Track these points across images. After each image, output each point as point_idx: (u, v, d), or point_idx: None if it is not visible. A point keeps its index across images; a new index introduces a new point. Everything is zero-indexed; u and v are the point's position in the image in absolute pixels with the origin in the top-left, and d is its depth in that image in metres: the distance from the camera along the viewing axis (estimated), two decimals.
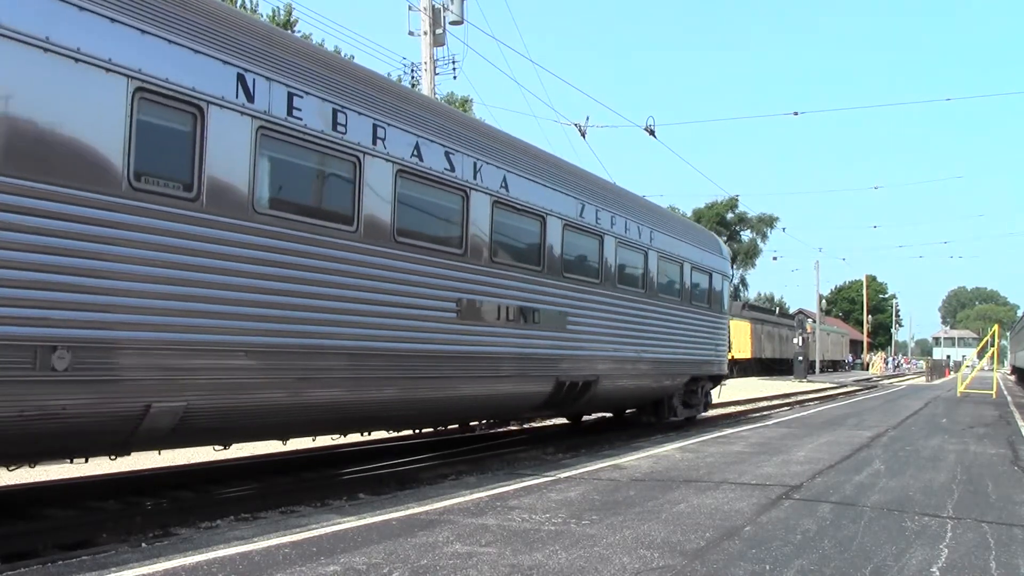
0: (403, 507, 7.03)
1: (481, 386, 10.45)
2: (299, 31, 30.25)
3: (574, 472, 9.18)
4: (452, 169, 9.73)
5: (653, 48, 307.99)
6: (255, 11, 30.09)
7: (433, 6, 20.76)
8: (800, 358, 51.94)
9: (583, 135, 24.13)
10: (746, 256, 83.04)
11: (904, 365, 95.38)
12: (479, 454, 12.89)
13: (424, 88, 20.75)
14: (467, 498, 7.48)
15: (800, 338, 55.13)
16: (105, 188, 6.07)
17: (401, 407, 9.43)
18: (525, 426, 17.10)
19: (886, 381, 53.65)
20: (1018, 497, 8.11)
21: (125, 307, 6.19)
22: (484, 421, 15.24)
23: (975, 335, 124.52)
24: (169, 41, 6.55)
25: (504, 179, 10.69)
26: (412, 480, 10.42)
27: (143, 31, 6.37)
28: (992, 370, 40.99)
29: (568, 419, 16.97)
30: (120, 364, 6.21)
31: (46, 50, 5.72)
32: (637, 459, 10.29)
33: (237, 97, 7.08)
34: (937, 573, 5.29)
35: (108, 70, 6.11)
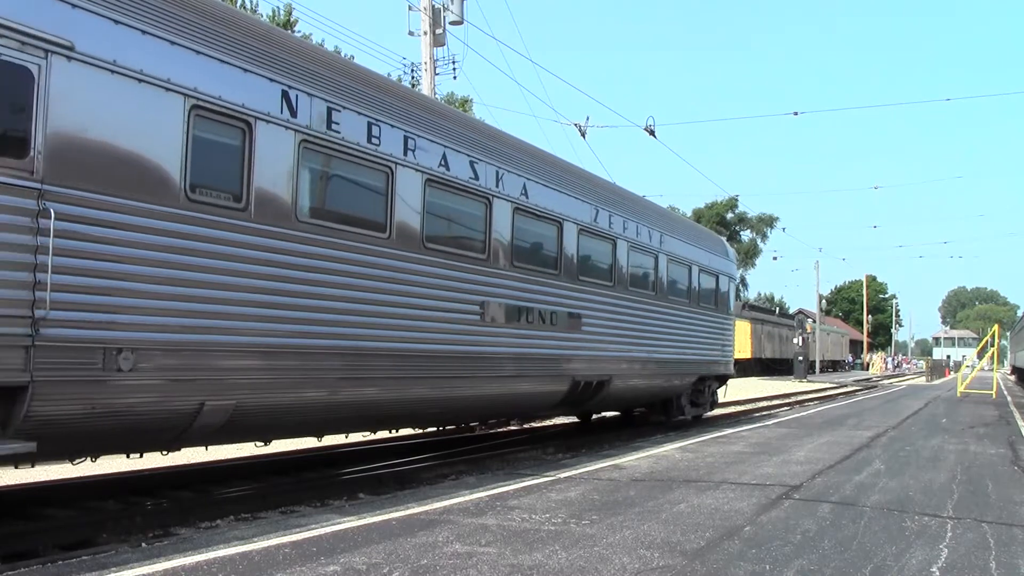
0: (403, 507, 7.03)
1: (503, 385, 10.85)
2: (299, 31, 30.27)
3: (574, 472, 9.18)
4: (476, 178, 10.21)
5: (653, 48, 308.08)
6: (255, 11, 30.07)
7: (433, 6, 20.75)
8: (800, 358, 51.94)
9: (583, 135, 24.15)
10: (746, 256, 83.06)
11: (904, 365, 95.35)
12: (479, 454, 12.89)
13: (424, 88, 20.75)
14: (467, 498, 7.49)
15: (800, 338, 55.14)
16: (165, 200, 6.52)
17: (429, 405, 9.87)
18: (525, 426, 17.10)
19: (886, 381, 53.65)
20: (1018, 497, 8.11)
21: (182, 311, 6.63)
22: (486, 421, 15.55)
23: (975, 335, 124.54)
24: (221, 61, 7.02)
25: (524, 186, 11.18)
26: (412, 480, 10.42)
27: (198, 52, 6.83)
28: (992, 370, 40.98)
29: (578, 417, 17.25)
30: (177, 365, 6.63)
31: (113, 72, 6.19)
32: (637, 459, 10.29)
33: (282, 112, 7.54)
34: (937, 573, 5.29)
35: (167, 89, 6.56)
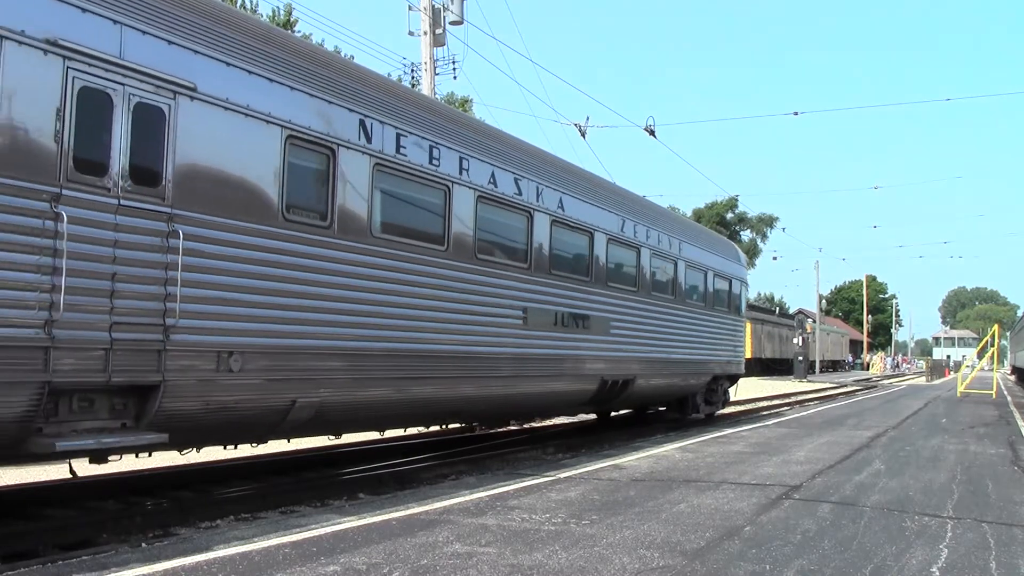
0: (403, 507, 7.03)
1: (541, 385, 11.82)
2: (299, 31, 30.27)
3: (574, 472, 9.18)
4: (520, 193, 11.21)
5: (653, 48, 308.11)
6: (255, 11, 30.06)
7: (433, 6, 20.75)
8: (800, 358, 51.93)
9: (583, 135, 24.14)
10: (746, 256, 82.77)
11: (904, 365, 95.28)
12: (479, 454, 12.89)
13: (424, 88, 20.74)
14: (467, 498, 7.49)
15: (800, 338, 55.12)
16: (266, 220, 7.44)
17: (476, 403, 10.84)
18: (525, 426, 17.12)
19: (886, 381, 53.65)
20: (1018, 497, 8.12)
21: (279, 318, 7.55)
22: (525, 418, 16.37)
23: (975, 335, 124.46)
24: (310, 95, 7.97)
25: (560, 200, 12.15)
26: (412, 480, 10.42)
27: (292, 88, 7.78)
28: (992, 370, 40.98)
29: (597, 415, 17.82)
30: (275, 366, 7.52)
31: (226, 108, 7.11)
32: (637, 459, 10.30)
33: (359, 139, 8.49)
34: (937, 573, 5.29)
35: (268, 122, 7.50)
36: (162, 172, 6.62)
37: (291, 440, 8.90)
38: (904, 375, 70.75)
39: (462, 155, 10.01)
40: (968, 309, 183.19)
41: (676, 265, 16.15)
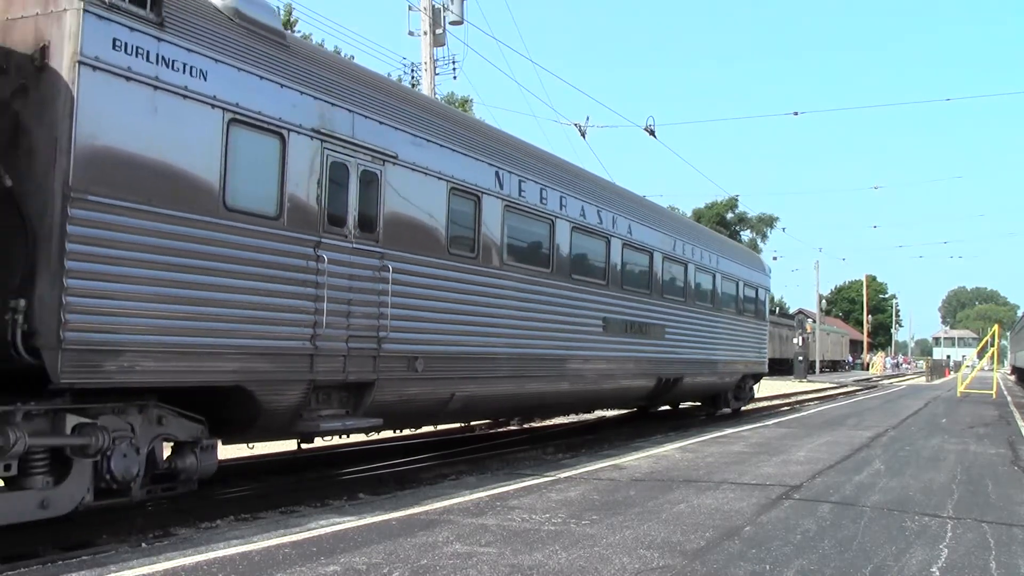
0: (403, 507, 7.04)
1: (615, 382, 14.14)
2: (299, 31, 30.22)
3: (574, 472, 9.18)
4: (601, 223, 13.40)
5: (653, 48, 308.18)
6: None
7: (433, 6, 20.74)
8: (800, 358, 51.89)
9: (583, 135, 24.16)
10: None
11: (903, 365, 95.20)
12: (479, 454, 12.89)
13: (424, 88, 20.74)
14: (467, 498, 7.49)
15: (800, 338, 55.08)
16: (438, 254, 9.63)
17: (569, 397, 13.28)
18: (525, 426, 17.14)
19: (886, 381, 53.63)
20: (1018, 497, 8.12)
21: (446, 331, 9.70)
22: (601, 409, 18.65)
23: (975, 335, 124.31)
24: (466, 155, 10.22)
25: (629, 226, 14.34)
26: (412, 480, 10.42)
27: (454, 150, 10.00)
28: (992, 370, 40.96)
29: (638, 409, 19.75)
30: (443, 367, 9.67)
31: (413, 170, 9.29)
32: (637, 459, 10.30)
33: (495, 187, 10.72)
34: (937, 573, 5.29)
35: (439, 179, 9.70)
36: (376, 221, 8.70)
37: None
38: (904, 375, 70.73)
39: (562, 194, 12.26)
40: (968, 309, 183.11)
41: (714, 277, 18.39)
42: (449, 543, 5.71)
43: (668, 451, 11.24)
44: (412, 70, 25.43)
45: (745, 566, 5.27)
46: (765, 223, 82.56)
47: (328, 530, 6.13)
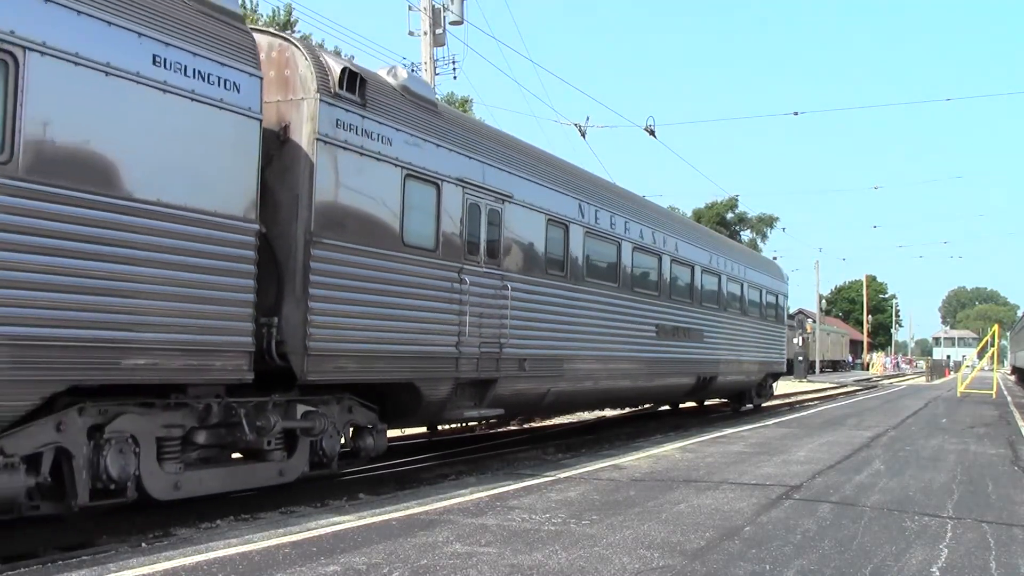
0: (403, 507, 7.04)
1: (665, 380, 16.23)
2: (299, 31, 30.24)
3: (574, 472, 9.18)
4: (655, 243, 15.60)
5: (653, 48, 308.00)
6: (255, 11, 30.04)
7: (433, 6, 20.74)
8: (800, 358, 51.90)
9: (583, 135, 24.18)
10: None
11: (903, 365, 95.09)
12: (479, 454, 12.89)
13: None
14: (467, 498, 7.49)
15: (800, 338, 55.08)
16: (538, 274, 11.62)
17: (630, 392, 15.83)
18: (525, 426, 17.15)
19: (886, 381, 53.63)
20: (1018, 497, 8.12)
21: (545, 336, 11.64)
22: (653, 404, 20.83)
23: (975, 335, 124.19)
24: (557, 191, 12.26)
25: (676, 244, 16.55)
26: (412, 480, 10.42)
27: (550, 188, 12.06)
28: (992, 370, 40.94)
29: (670, 406, 21.88)
30: (544, 368, 11.61)
31: (522, 207, 11.31)
32: (637, 459, 10.30)
33: (578, 216, 12.76)
34: (937, 573, 5.29)
35: (538, 212, 11.67)
36: (499, 249, 10.67)
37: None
38: (904, 375, 70.69)
39: (626, 220, 14.39)
40: (968, 309, 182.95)
41: (742, 286, 20.59)
42: (449, 543, 5.71)
43: (668, 451, 11.24)
44: (412, 70, 25.42)
45: (745, 566, 5.27)
46: (765, 223, 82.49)
47: (328, 530, 6.13)
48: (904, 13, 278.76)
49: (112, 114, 6.16)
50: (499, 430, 16.33)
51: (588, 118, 26.08)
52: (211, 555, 5.33)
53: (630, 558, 5.40)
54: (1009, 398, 28.49)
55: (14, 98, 5.57)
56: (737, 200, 72.46)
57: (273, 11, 30.63)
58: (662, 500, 7.49)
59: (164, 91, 6.50)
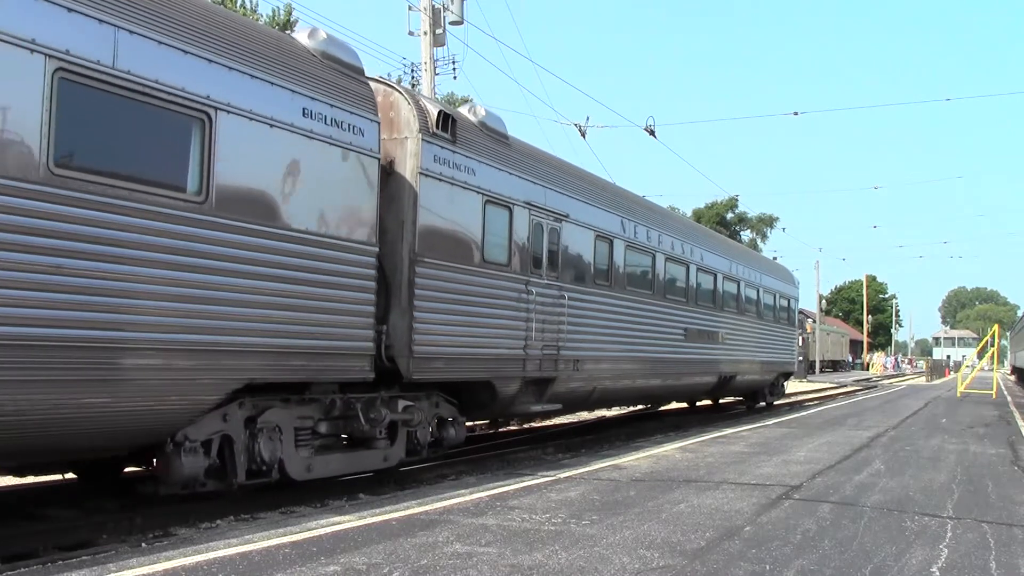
0: (403, 507, 7.04)
1: (691, 378, 17.74)
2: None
3: (574, 472, 9.18)
4: (683, 253, 16.96)
5: (653, 48, 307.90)
6: (255, 11, 30.00)
7: (433, 6, 20.73)
8: (800, 358, 51.81)
9: (583, 135, 24.17)
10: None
11: (903, 365, 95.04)
12: (479, 454, 12.88)
13: (424, 88, 20.74)
14: (467, 498, 7.49)
15: (800, 338, 55.00)
16: (586, 284, 12.88)
17: (661, 390, 17.27)
18: (525, 426, 17.13)
19: (886, 381, 53.61)
20: (1018, 497, 8.12)
21: (595, 339, 12.94)
22: (681, 400, 21.96)
23: (975, 335, 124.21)
24: (603, 209, 13.71)
25: (701, 254, 18.03)
26: (412, 480, 10.41)
27: (597, 207, 13.52)
28: (992, 370, 40.93)
29: (688, 403, 22.56)
30: (592, 368, 12.99)
31: (576, 225, 12.65)
32: (637, 459, 10.30)
33: (621, 231, 14.13)
34: (937, 573, 5.29)
35: (587, 229, 13.01)
36: (557, 262, 11.98)
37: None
38: (904, 375, 70.68)
39: (659, 232, 15.78)
40: (968, 309, 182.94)
41: (758, 291, 22.07)
42: (449, 543, 5.72)
43: (668, 451, 11.24)
44: (412, 70, 25.44)
45: (745, 566, 5.27)
46: (765, 223, 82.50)
47: (328, 530, 6.13)
48: (904, 13, 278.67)
49: (274, 158, 7.43)
50: (499, 430, 16.32)
51: (588, 118, 26.13)
52: (211, 555, 5.33)
53: (630, 558, 5.40)
54: (1009, 398, 28.49)
55: (209, 150, 6.78)
56: (737, 200, 72.47)
57: (273, 11, 30.60)
58: (662, 500, 7.49)
59: (310, 138, 7.77)
